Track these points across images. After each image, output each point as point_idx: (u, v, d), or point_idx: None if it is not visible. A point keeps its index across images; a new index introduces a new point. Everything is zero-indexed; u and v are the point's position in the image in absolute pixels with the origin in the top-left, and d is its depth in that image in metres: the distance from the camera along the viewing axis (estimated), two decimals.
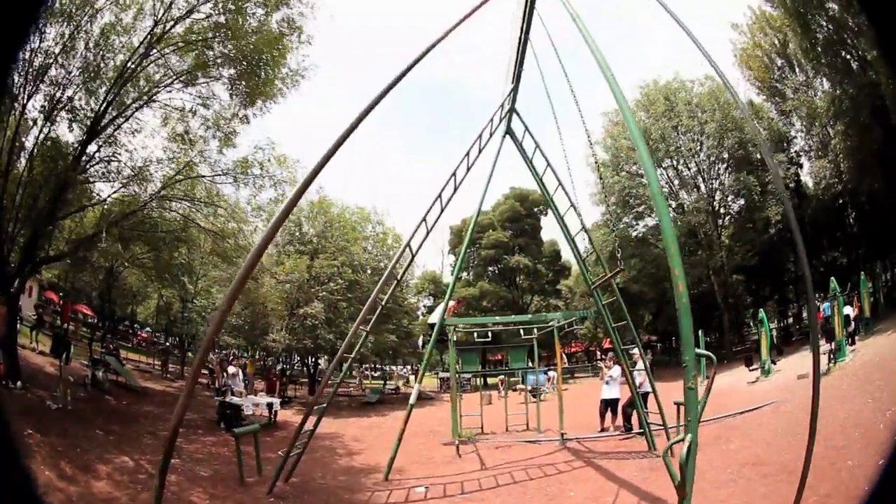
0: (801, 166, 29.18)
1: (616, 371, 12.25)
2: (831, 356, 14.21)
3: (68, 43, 12.64)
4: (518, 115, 9.95)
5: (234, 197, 17.66)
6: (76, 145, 13.38)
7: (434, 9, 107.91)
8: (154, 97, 14.24)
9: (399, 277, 9.26)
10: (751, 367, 18.42)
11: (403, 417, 9.32)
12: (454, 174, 8.52)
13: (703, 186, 30.11)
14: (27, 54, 11.66)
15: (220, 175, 15.40)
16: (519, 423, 14.55)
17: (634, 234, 31.71)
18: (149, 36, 13.17)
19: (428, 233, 8.50)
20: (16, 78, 11.47)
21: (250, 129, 15.74)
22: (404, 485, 8.79)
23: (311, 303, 20.63)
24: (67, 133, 13.57)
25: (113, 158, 14.42)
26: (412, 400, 9.39)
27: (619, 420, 12.37)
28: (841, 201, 26.29)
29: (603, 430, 12.56)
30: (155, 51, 13.33)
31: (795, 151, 29.12)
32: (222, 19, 13.30)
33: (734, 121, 27.76)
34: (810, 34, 23.75)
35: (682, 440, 4.37)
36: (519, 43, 8.65)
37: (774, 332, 24.57)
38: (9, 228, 12.44)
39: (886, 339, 15.34)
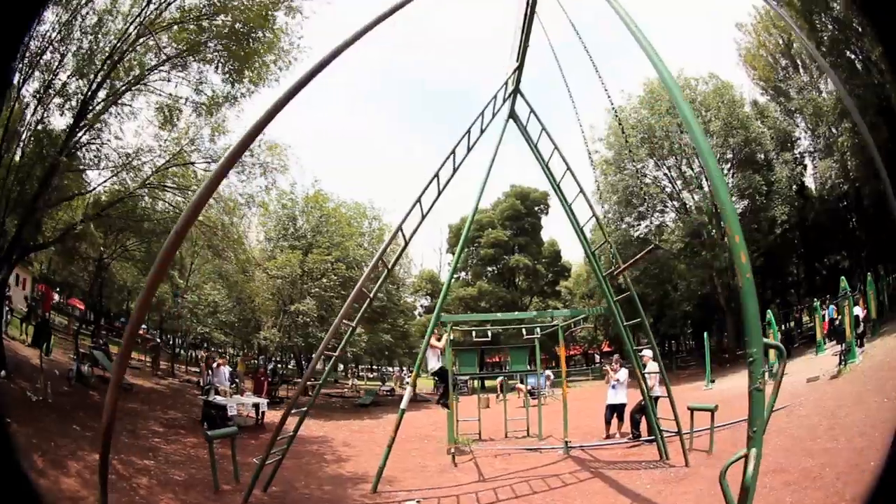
0: (805, 167, 28.84)
1: (623, 374, 11.55)
2: (842, 358, 13.86)
3: (65, 29, 12.39)
4: (523, 96, 9.24)
5: (226, 190, 17.09)
6: (65, 129, 13.22)
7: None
8: (145, 81, 13.84)
9: (390, 266, 8.38)
10: None
11: (394, 423, 8.49)
12: (453, 152, 7.81)
13: (706, 186, 29.59)
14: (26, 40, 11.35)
15: (210, 162, 14.85)
16: (519, 428, 13.80)
17: (637, 234, 31.12)
18: (140, 18, 12.78)
19: (423, 217, 7.76)
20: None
21: (244, 118, 15.34)
22: (394, 497, 8.05)
23: (303, 299, 19.95)
24: (58, 117, 13.49)
25: (103, 142, 14.36)
26: (403, 404, 8.53)
27: (626, 426, 11.64)
28: (845, 203, 25.86)
29: (608, 436, 11.79)
30: (147, 33, 13.03)
31: (799, 152, 28.80)
32: None
33: (739, 119, 27.34)
34: (815, 34, 23.41)
35: (746, 456, 3.72)
36: (524, 17, 8.00)
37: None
38: None
39: (894, 340, 15.12)
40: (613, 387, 11.57)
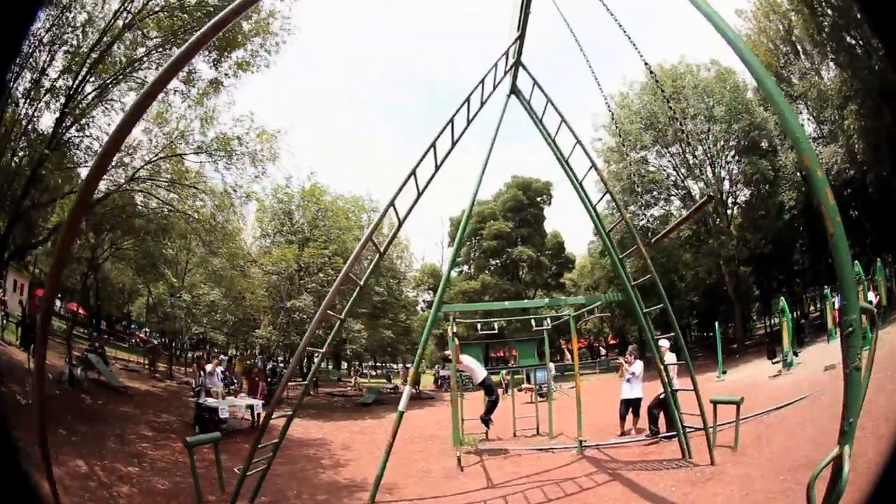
0: None
1: (638, 367, 10.87)
2: None
3: (55, 26, 12.24)
4: (525, 68, 8.55)
5: (219, 185, 16.65)
6: (53, 124, 13.18)
7: None
8: (131, 71, 13.39)
9: (383, 250, 7.59)
10: (773, 360, 17.22)
11: (392, 427, 7.53)
12: (451, 121, 7.11)
13: (710, 172, 29.07)
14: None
15: (198, 153, 14.36)
16: (528, 427, 12.91)
17: (642, 223, 30.48)
18: (126, 7, 12.34)
19: (420, 194, 7.04)
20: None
21: (234, 109, 15.05)
22: None
23: (300, 295, 19.29)
24: (45, 113, 13.48)
25: (93, 138, 14.14)
26: (401, 406, 7.52)
27: (641, 422, 10.97)
28: (849, 191, 25.30)
29: (623, 433, 11.09)
30: (133, 22, 12.85)
31: None
32: None
33: (744, 103, 26.75)
34: (816, 19, 23.27)
35: (840, 455, 3.07)
36: None
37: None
38: None
39: None
40: (628, 380, 10.87)
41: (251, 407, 13.87)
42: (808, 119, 27.93)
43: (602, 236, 9.40)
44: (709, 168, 29.21)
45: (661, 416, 10.15)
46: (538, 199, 37.87)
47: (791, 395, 11.18)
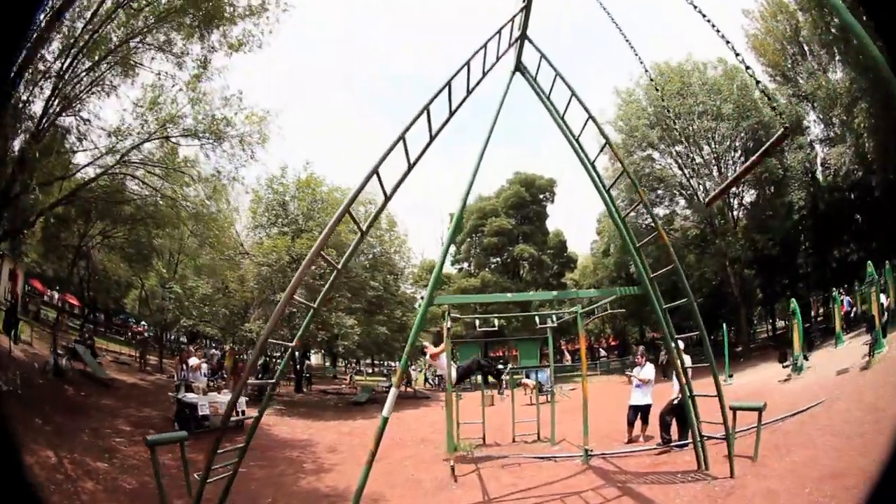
0: (815, 156, 27.96)
1: (649, 371, 10.19)
2: (871, 348, 12.83)
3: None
4: (531, 41, 7.86)
5: (208, 171, 16.16)
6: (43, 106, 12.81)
7: None
8: (121, 53, 12.99)
9: (365, 229, 6.72)
10: (784, 364, 16.63)
11: (375, 435, 6.36)
12: (449, 85, 6.32)
13: (716, 172, 28.53)
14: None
15: (186, 136, 13.81)
16: (528, 432, 11.97)
17: (646, 223, 29.90)
18: None
19: (410, 167, 6.18)
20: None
21: (226, 92, 14.55)
22: None
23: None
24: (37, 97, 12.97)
25: (84, 121, 13.96)
26: (385, 411, 6.39)
27: (649, 430, 10.35)
28: (853, 195, 25.00)
29: (630, 440, 10.43)
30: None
31: (810, 141, 27.78)
32: None
33: (753, 101, 26.24)
34: (825, 18, 23.08)
35: None
36: None
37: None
38: None
39: None
40: (638, 385, 10.22)
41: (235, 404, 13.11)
42: (816, 120, 27.52)
43: (615, 221, 8.64)
44: (716, 167, 28.67)
45: (674, 423, 9.49)
46: (541, 196, 37.50)
47: (805, 401, 10.67)
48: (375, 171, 5.82)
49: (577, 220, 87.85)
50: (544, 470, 9.04)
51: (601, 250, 35.66)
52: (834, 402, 9.91)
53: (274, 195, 21.78)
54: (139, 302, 28.65)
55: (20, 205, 13.98)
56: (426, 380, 31.12)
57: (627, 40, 6.56)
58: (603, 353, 42.01)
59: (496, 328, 14.35)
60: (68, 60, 12.66)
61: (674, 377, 9.55)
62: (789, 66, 27.31)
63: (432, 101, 6.13)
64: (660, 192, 30.04)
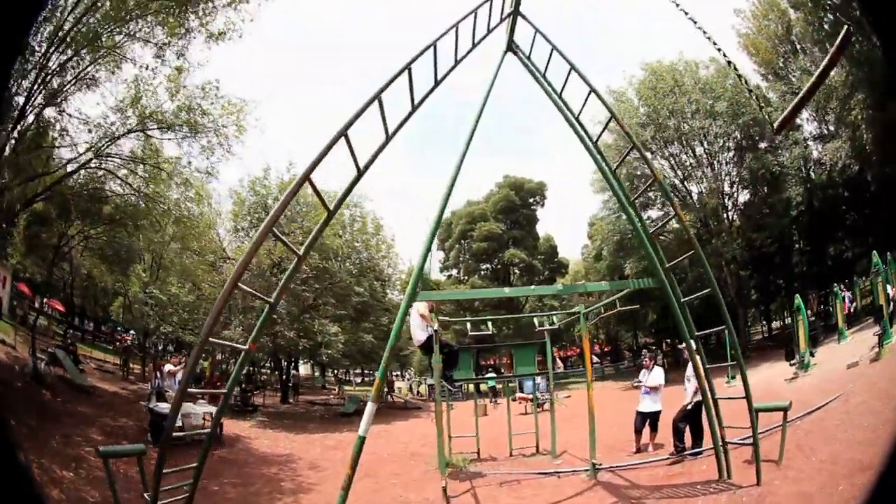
0: (810, 153, 27.64)
1: (658, 376, 9.53)
2: (880, 340, 12.66)
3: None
4: (525, 18, 7.12)
5: (186, 170, 15.58)
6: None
7: None
8: (100, 44, 12.42)
9: (333, 209, 5.95)
10: (791, 362, 16.29)
11: (350, 458, 5.66)
12: (434, 46, 5.58)
13: (709, 171, 28.35)
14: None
15: (161, 129, 13.19)
16: (526, 444, 11.13)
17: (645, 216, 29.61)
18: None
19: (389, 138, 5.44)
20: None
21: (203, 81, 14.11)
22: None
23: (273, 293, 17.72)
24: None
25: (64, 113, 13.54)
26: (362, 430, 5.66)
27: (658, 437, 9.71)
28: (846, 192, 24.90)
29: (638, 450, 9.73)
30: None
31: (804, 138, 27.57)
32: None
33: (747, 98, 26.04)
34: (818, 14, 23.24)
35: None
36: None
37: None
38: None
39: None
40: (647, 392, 9.56)
41: (212, 415, 12.22)
42: (810, 117, 27.35)
43: (624, 206, 8.03)
44: (708, 167, 28.45)
45: (687, 429, 8.80)
46: (531, 199, 37.14)
47: (818, 397, 10.32)
48: (344, 134, 5.01)
49: (568, 225, 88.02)
50: (547, 487, 8.23)
51: (593, 255, 35.17)
52: (848, 397, 9.65)
53: (256, 197, 21.00)
54: (123, 309, 27.87)
55: (4, 201, 13.54)
56: (410, 389, 30.44)
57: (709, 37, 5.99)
58: (595, 358, 41.45)
59: (490, 333, 13.53)
60: (52, 48, 12.24)
61: (685, 381, 8.95)
62: (781, 64, 27.07)
63: (415, 59, 5.41)
64: (650, 194, 29.68)
